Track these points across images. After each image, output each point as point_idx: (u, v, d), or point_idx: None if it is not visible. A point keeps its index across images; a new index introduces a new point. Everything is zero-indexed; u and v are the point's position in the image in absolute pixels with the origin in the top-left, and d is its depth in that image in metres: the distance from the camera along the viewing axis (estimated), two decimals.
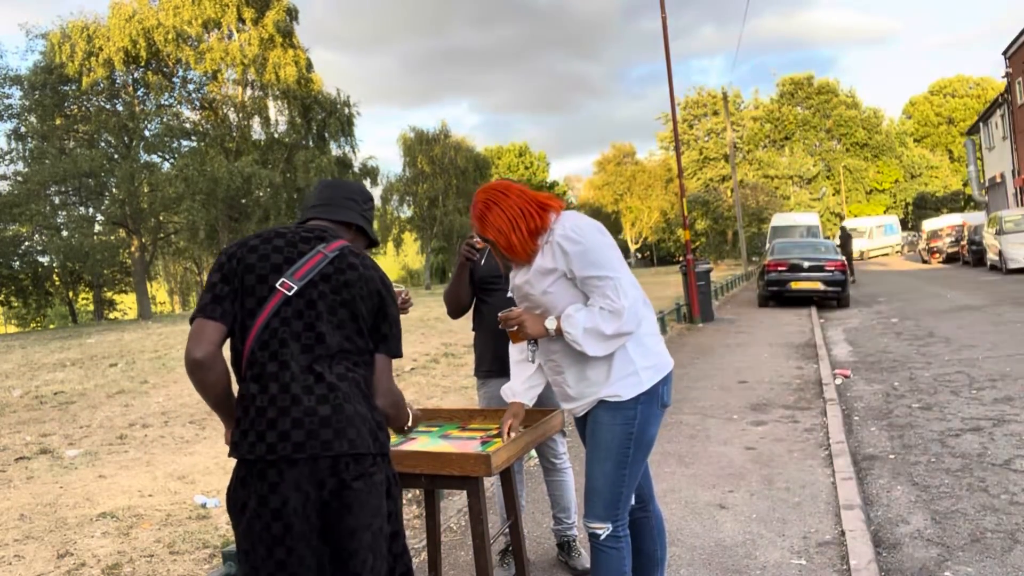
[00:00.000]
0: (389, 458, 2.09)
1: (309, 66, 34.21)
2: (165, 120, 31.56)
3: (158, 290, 59.21)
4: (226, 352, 2.00)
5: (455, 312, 3.49)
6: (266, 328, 1.98)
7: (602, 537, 2.50)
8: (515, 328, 2.51)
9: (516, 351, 2.83)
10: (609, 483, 2.49)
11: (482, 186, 2.57)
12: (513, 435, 2.71)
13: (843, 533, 3.68)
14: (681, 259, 19.21)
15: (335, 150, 34.80)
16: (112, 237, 32.14)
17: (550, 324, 2.46)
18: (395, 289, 3.02)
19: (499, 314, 2.59)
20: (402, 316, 3.18)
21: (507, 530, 3.15)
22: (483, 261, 3.46)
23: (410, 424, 2.30)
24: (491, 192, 2.50)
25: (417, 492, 4.75)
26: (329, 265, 2.05)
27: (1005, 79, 31.79)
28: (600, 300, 2.39)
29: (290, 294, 2.00)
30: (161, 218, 32.03)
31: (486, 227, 2.48)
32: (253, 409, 1.94)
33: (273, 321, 1.98)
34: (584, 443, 2.64)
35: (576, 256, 2.39)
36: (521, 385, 2.81)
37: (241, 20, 31.77)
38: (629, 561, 2.56)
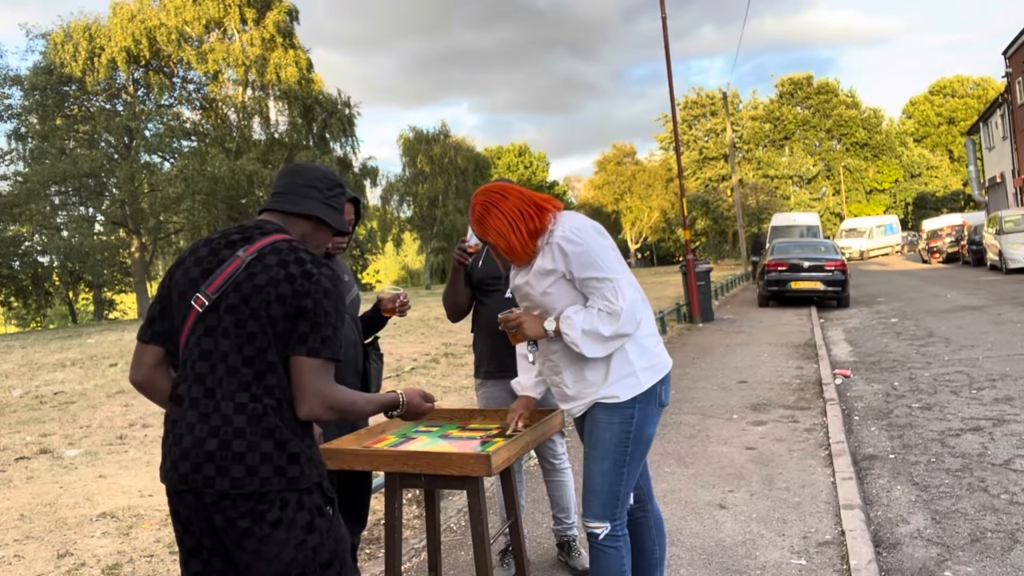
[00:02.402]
0: (311, 490, 1.88)
1: (310, 66, 34.25)
2: (166, 120, 31.57)
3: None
4: None
5: (453, 316, 3.49)
6: (185, 348, 1.88)
7: (600, 537, 2.51)
8: (514, 330, 2.52)
9: (519, 350, 2.84)
10: (607, 482, 2.49)
11: (480, 188, 2.56)
12: (520, 426, 2.72)
13: (843, 533, 3.68)
14: (681, 259, 19.21)
15: (336, 150, 34.83)
16: (112, 237, 32.15)
17: (549, 326, 2.46)
18: (393, 292, 3.02)
19: (499, 316, 2.59)
20: (402, 317, 3.19)
21: (507, 530, 3.15)
22: (480, 263, 3.46)
23: (405, 406, 2.11)
24: (489, 194, 2.49)
25: (417, 492, 4.75)
26: (243, 272, 1.87)
27: (1005, 79, 31.79)
28: (599, 302, 2.39)
29: (201, 310, 1.87)
30: (161, 218, 32.04)
31: (486, 230, 2.48)
32: (164, 431, 1.90)
33: (189, 339, 1.88)
34: (583, 442, 2.65)
35: (575, 257, 2.39)
36: (529, 380, 2.83)
37: (243, 21, 31.79)
38: (628, 560, 2.56)
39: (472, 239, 3.28)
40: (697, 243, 50.71)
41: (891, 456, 5.07)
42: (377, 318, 3.03)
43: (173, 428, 1.86)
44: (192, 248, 1.98)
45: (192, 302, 1.88)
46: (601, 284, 2.39)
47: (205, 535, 1.87)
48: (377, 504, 4.40)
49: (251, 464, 1.79)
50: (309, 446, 1.88)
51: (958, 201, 59.14)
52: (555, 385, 2.63)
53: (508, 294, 3.35)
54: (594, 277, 2.39)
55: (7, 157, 30.78)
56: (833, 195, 60.07)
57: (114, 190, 30.58)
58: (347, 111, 35.00)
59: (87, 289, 36.20)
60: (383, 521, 2.77)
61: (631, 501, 2.66)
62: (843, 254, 17.81)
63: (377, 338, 3.09)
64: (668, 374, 2.58)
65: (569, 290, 2.46)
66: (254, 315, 1.83)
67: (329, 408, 1.84)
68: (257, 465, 1.79)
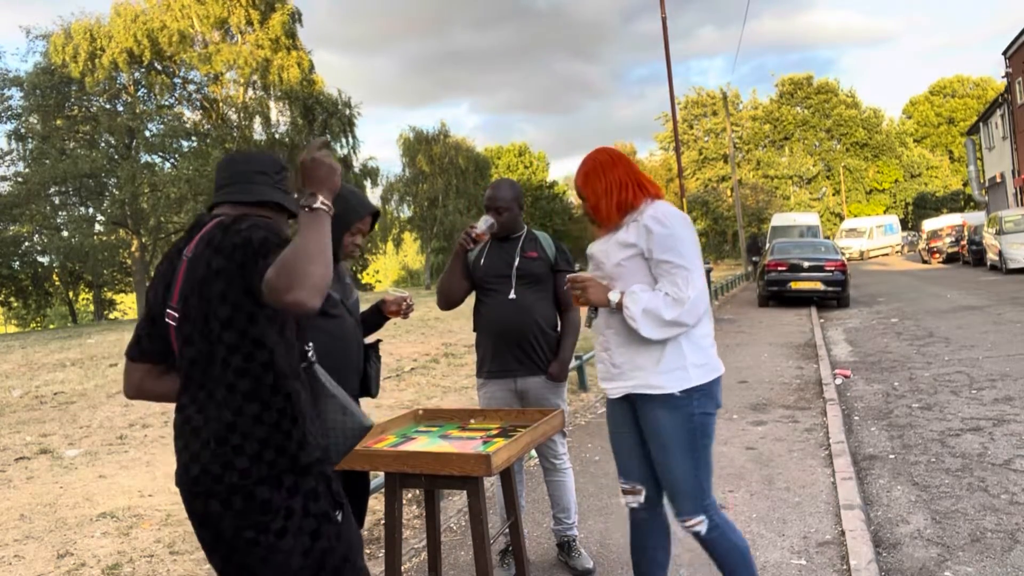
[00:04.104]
0: (319, 490, 1.87)
1: (312, 68, 34.26)
2: (167, 120, 31.57)
3: None
4: None
5: (445, 304, 3.48)
6: (179, 361, 1.91)
7: (704, 532, 2.55)
8: (579, 292, 2.57)
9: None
10: (688, 478, 2.53)
11: (600, 147, 2.69)
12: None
13: (843, 533, 3.68)
14: None
15: (337, 150, 34.82)
16: (112, 237, 32.13)
17: (613, 296, 2.51)
18: (398, 295, 3.02)
19: (567, 275, 2.65)
20: (403, 319, 3.19)
21: (507, 530, 3.15)
22: (483, 260, 3.44)
23: (313, 155, 1.73)
24: (604, 155, 2.64)
25: (417, 492, 4.75)
26: (189, 272, 1.85)
27: (1005, 79, 31.79)
28: (668, 286, 2.43)
29: (176, 324, 1.88)
30: (162, 219, 32.04)
31: (586, 184, 2.61)
32: (175, 439, 1.93)
33: (179, 353, 1.90)
34: (614, 429, 2.69)
35: (659, 239, 2.45)
36: None
37: (248, 22, 31.81)
38: (738, 534, 2.61)
39: (480, 227, 3.26)
40: None
41: (891, 456, 5.07)
42: (373, 320, 3.02)
43: (181, 433, 1.88)
44: (157, 266, 1.98)
45: (167, 319, 1.90)
46: (675, 270, 2.43)
47: (219, 538, 1.89)
48: (377, 504, 4.40)
49: (252, 453, 1.78)
50: (299, 427, 1.85)
51: (958, 201, 59.11)
52: (601, 361, 2.66)
53: (512, 295, 3.35)
54: (671, 261, 2.43)
55: (7, 158, 30.77)
56: (833, 195, 60.05)
57: (114, 190, 30.57)
58: (347, 111, 35.01)
59: (87, 289, 36.17)
60: (383, 521, 2.76)
61: (641, 499, 2.68)
62: (843, 254, 17.79)
63: (379, 340, 3.09)
64: (720, 378, 2.60)
65: (642, 269, 2.51)
66: (209, 306, 1.79)
67: (293, 288, 1.55)
68: (259, 451, 1.79)
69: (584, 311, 2.78)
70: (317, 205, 1.64)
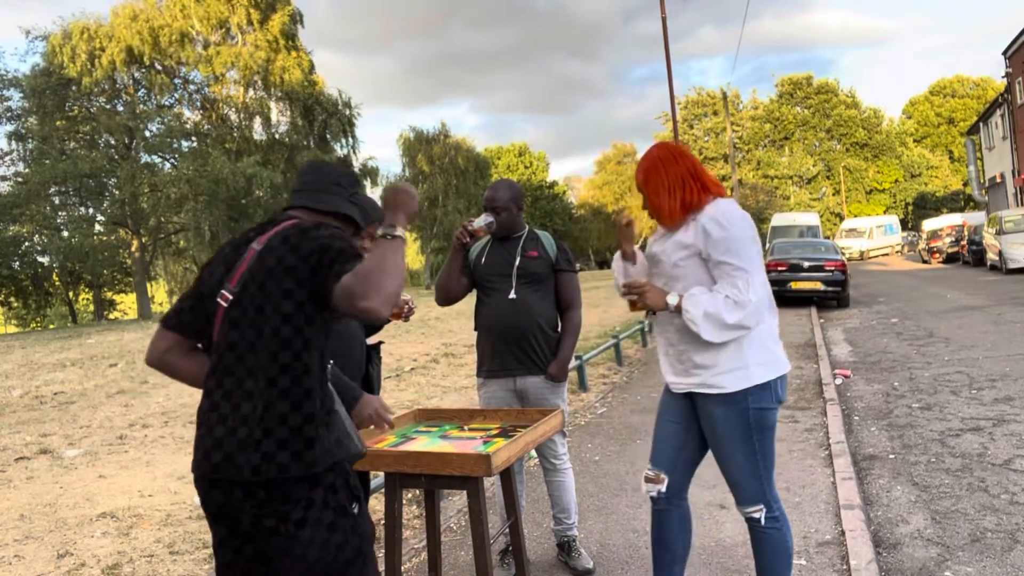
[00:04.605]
0: (338, 483, 1.91)
1: (312, 68, 34.26)
2: (166, 121, 31.56)
3: (158, 290, 59.09)
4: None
5: (443, 299, 3.47)
6: (215, 344, 1.95)
7: (762, 520, 2.58)
8: (637, 296, 2.55)
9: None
10: (747, 473, 2.56)
11: (660, 142, 2.66)
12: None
13: (843, 533, 3.68)
14: None
15: (337, 150, 34.83)
16: (112, 237, 32.14)
17: (671, 300, 2.50)
18: (400, 298, 3.02)
19: (623, 281, 2.62)
20: (405, 322, 3.18)
21: (507, 530, 3.15)
22: (483, 259, 3.44)
23: (396, 186, 1.92)
24: (666, 152, 2.57)
25: (417, 492, 4.74)
26: (256, 261, 1.92)
27: (1005, 79, 31.79)
28: (728, 288, 2.42)
29: (227, 305, 1.93)
30: (162, 219, 32.04)
31: (647, 181, 2.56)
32: (197, 424, 1.96)
33: (219, 334, 1.94)
34: (662, 414, 2.72)
35: (718, 241, 2.42)
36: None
37: (249, 22, 31.80)
38: (791, 538, 2.64)
39: (478, 223, 3.26)
40: None
41: (891, 456, 5.07)
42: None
43: (205, 419, 1.91)
44: (219, 248, 2.07)
45: (218, 299, 1.95)
46: (735, 272, 2.41)
47: (233, 532, 1.92)
48: (377, 504, 4.40)
49: (267, 451, 1.81)
50: (327, 430, 1.90)
51: (958, 201, 59.12)
52: (665, 354, 2.66)
53: (512, 295, 3.34)
54: (730, 263, 2.42)
55: (7, 158, 30.79)
56: (833, 195, 60.05)
57: (114, 190, 30.57)
58: (347, 111, 35.00)
59: (87, 289, 36.19)
60: (383, 521, 2.76)
61: (662, 488, 2.71)
62: (843, 254, 17.78)
63: (381, 342, 3.09)
64: (785, 374, 2.59)
65: (700, 270, 2.49)
66: (269, 297, 1.86)
67: (369, 296, 1.70)
68: (273, 452, 1.81)
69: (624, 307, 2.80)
70: (397, 233, 1.82)
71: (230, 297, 1.93)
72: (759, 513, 2.58)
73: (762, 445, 2.55)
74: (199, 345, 2.06)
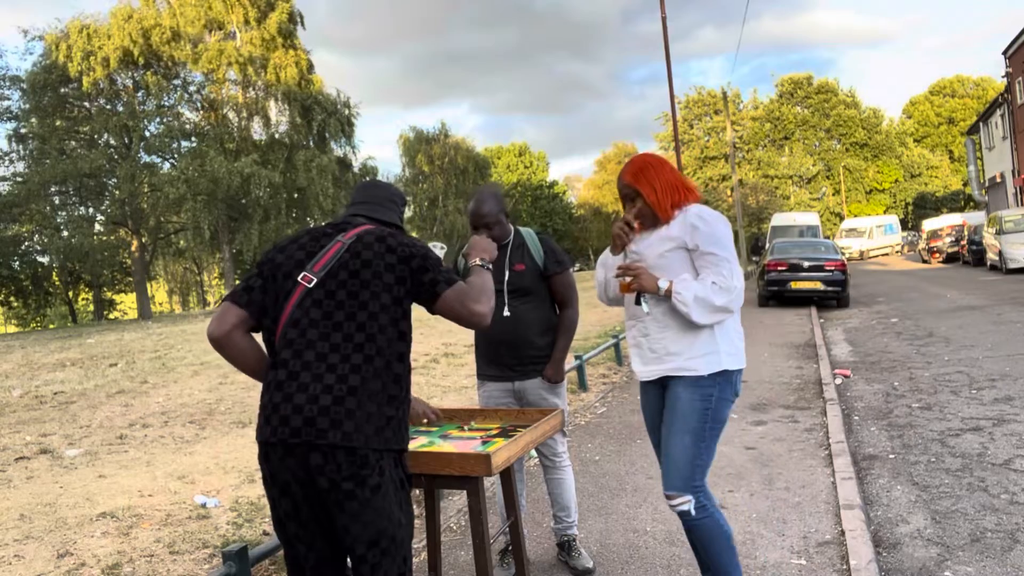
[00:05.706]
0: (400, 459, 2.13)
1: (310, 67, 34.25)
2: (166, 121, 31.56)
3: (158, 290, 59.19)
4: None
5: None
6: (289, 320, 2.11)
7: (692, 512, 2.66)
8: (632, 278, 2.70)
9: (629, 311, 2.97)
10: (688, 455, 2.66)
11: (645, 152, 2.87)
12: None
13: (843, 533, 3.68)
14: None
15: (336, 150, 34.83)
16: (112, 237, 32.14)
17: (663, 284, 2.67)
18: None
19: (619, 264, 2.76)
20: None
21: (507, 530, 3.15)
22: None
23: (479, 236, 2.60)
24: (654, 159, 2.82)
25: (417, 492, 4.74)
26: (346, 252, 2.16)
27: (1005, 79, 31.79)
28: (714, 275, 2.63)
29: (310, 286, 2.12)
30: (162, 219, 32.04)
31: (640, 181, 2.74)
32: (267, 395, 2.07)
33: (296, 312, 2.11)
34: (649, 412, 2.87)
35: (705, 234, 2.66)
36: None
37: (246, 21, 31.80)
38: (726, 523, 2.73)
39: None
40: None
41: (891, 456, 5.07)
42: None
43: (282, 388, 2.04)
44: (292, 238, 2.29)
45: (299, 279, 2.14)
46: (721, 262, 2.64)
47: (305, 499, 2.05)
48: None
49: (360, 422, 2.00)
50: (403, 413, 2.13)
51: (958, 201, 59.11)
52: (638, 346, 2.82)
53: (506, 311, 3.35)
54: (716, 254, 2.65)
55: (7, 158, 30.75)
56: (833, 195, 60.07)
57: (114, 190, 30.57)
58: (346, 111, 35.01)
59: (87, 289, 36.19)
60: None
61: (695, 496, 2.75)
62: (843, 254, 17.77)
63: None
64: (742, 370, 2.77)
65: (683, 261, 2.70)
66: (365, 285, 2.11)
67: (481, 302, 2.18)
68: (363, 424, 2.00)
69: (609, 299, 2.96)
70: (487, 266, 2.40)
71: (313, 279, 2.13)
72: (688, 505, 2.66)
73: (711, 435, 2.69)
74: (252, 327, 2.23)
